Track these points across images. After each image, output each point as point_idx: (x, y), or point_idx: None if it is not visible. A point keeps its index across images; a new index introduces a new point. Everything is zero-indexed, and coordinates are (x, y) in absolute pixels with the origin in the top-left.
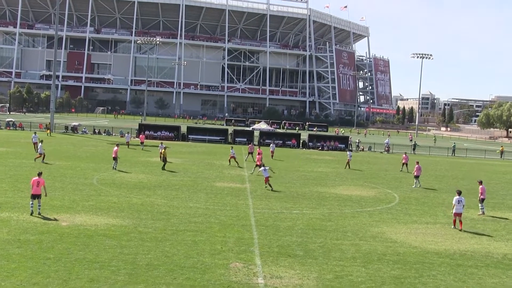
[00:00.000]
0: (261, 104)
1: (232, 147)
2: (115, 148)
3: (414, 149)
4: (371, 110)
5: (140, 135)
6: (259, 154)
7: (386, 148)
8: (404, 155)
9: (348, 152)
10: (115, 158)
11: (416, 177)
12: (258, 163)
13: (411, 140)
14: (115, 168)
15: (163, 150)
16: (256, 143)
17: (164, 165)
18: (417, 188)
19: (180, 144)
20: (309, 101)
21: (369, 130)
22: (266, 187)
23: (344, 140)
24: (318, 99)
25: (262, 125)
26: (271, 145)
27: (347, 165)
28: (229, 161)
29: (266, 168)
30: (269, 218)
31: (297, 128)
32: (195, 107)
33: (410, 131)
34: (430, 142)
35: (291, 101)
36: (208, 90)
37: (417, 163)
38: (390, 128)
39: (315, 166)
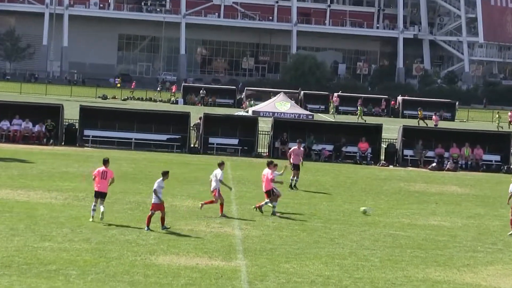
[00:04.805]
0: (276, 48)
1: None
2: None
3: None
4: None
5: None
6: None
7: None
8: None
9: None
10: None
11: None
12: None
13: None
14: None
15: None
16: (265, 150)
17: None
18: None
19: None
20: (404, 39)
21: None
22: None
23: (498, 142)
24: (432, 35)
25: (281, 104)
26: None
27: None
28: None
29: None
30: None
31: (372, 108)
32: (100, 57)
33: None
34: None
35: (358, 39)
36: (132, 11)
37: None
38: None
39: (426, 213)
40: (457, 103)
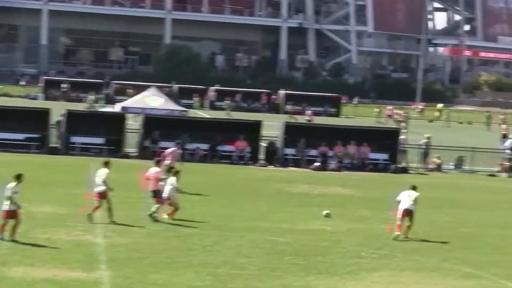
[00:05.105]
0: (148, 38)
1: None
2: None
3: None
4: (466, 54)
5: None
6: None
7: (505, 164)
8: None
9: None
10: None
11: None
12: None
13: None
14: None
15: None
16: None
17: None
18: None
19: None
20: (287, 28)
21: (456, 112)
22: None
23: (389, 140)
24: (317, 23)
25: (152, 99)
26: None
27: (405, 226)
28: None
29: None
30: None
31: (251, 103)
32: None
33: None
34: None
35: (238, 28)
36: None
37: None
38: None
39: (308, 217)
40: (357, 98)
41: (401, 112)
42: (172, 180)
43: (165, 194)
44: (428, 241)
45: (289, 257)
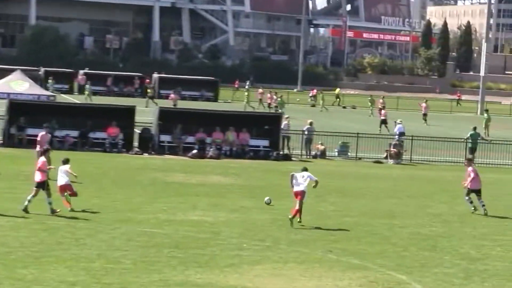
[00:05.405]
0: (13, 19)
1: None
2: None
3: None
4: (348, 35)
5: None
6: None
7: (392, 151)
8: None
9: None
10: None
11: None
12: None
13: (425, 116)
14: None
15: None
16: None
17: None
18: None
19: None
20: (160, 8)
21: (343, 96)
22: None
23: (269, 125)
24: (191, 3)
25: (17, 83)
26: None
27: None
28: None
29: None
30: None
31: (123, 87)
32: None
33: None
34: None
35: (108, 8)
36: None
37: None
38: (404, 86)
39: (186, 207)
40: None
41: (274, 96)
42: (65, 167)
43: (61, 183)
44: (313, 232)
45: (167, 250)
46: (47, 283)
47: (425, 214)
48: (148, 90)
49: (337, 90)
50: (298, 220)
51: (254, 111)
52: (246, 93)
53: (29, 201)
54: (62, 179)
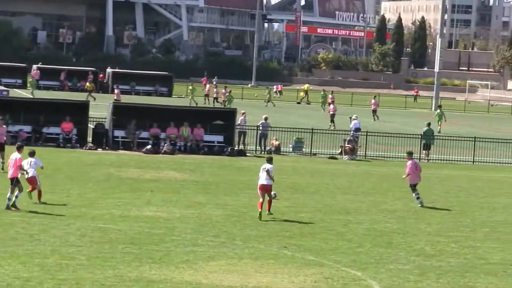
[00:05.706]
0: None
1: None
2: None
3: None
4: (303, 31)
5: None
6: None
7: (347, 146)
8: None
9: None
10: None
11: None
12: None
13: (374, 112)
14: None
15: None
16: None
17: None
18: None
19: None
20: (113, 2)
21: (294, 92)
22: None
23: (224, 121)
24: None
25: None
26: None
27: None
28: None
29: None
30: None
31: (77, 82)
32: None
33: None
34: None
35: (61, 2)
36: None
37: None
38: (359, 82)
39: (140, 203)
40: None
41: (223, 90)
42: (32, 159)
43: (31, 174)
44: (267, 228)
45: (122, 245)
46: (1, 278)
47: (380, 210)
48: (87, 84)
49: (306, 86)
50: (268, 212)
51: (208, 106)
52: (190, 87)
53: (16, 197)
54: (30, 172)
